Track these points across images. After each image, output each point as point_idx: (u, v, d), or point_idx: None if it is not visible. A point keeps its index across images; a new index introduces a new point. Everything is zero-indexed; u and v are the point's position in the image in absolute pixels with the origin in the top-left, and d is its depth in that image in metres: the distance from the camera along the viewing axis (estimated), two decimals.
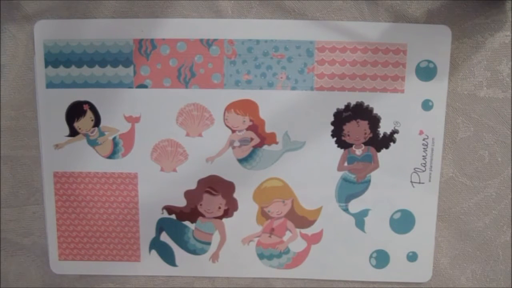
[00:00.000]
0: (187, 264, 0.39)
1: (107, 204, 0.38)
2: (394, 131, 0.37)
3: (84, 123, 0.37)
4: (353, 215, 0.38)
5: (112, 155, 0.37)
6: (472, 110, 0.37)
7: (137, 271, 0.39)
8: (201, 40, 0.36)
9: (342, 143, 0.37)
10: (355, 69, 0.36)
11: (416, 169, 0.37)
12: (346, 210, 0.38)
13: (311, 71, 0.36)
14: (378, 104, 0.37)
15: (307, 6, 0.36)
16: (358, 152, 0.37)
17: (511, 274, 0.39)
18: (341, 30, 0.36)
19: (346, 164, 0.37)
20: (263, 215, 0.38)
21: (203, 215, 0.38)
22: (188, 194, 0.38)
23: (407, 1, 0.36)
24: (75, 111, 0.37)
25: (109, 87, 0.37)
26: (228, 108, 0.37)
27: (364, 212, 0.38)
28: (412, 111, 0.37)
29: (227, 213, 0.38)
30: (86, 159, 0.38)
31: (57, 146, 0.37)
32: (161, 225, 0.38)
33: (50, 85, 0.37)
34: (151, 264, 0.39)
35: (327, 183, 0.38)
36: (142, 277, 0.39)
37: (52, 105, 0.37)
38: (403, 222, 0.38)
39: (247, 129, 0.37)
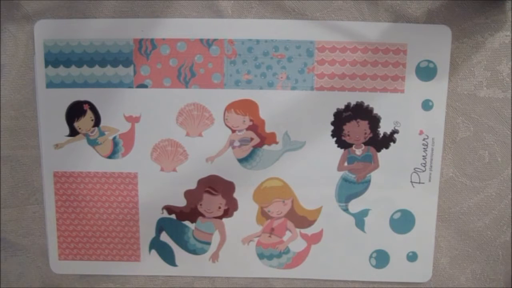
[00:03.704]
0: (187, 264, 0.39)
1: (107, 204, 0.38)
2: (394, 131, 0.37)
3: (84, 123, 0.37)
4: (353, 215, 0.38)
5: (112, 155, 0.37)
6: (472, 110, 0.37)
7: (137, 271, 0.39)
8: (201, 40, 0.36)
9: (342, 143, 0.37)
10: (355, 69, 0.36)
11: (416, 169, 0.37)
12: (346, 210, 0.38)
13: (311, 71, 0.36)
14: (378, 104, 0.37)
15: (307, 6, 0.36)
16: (358, 152, 0.37)
17: (511, 274, 0.39)
18: (341, 30, 0.36)
19: (346, 164, 0.37)
20: (263, 215, 0.38)
21: (203, 215, 0.38)
22: (188, 194, 0.38)
23: (407, 1, 0.36)
24: (75, 111, 0.37)
25: (109, 87, 0.37)
26: (228, 108, 0.37)
27: (364, 212, 0.38)
28: (412, 111, 0.37)
29: (227, 213, 0.38)
30: (86, 159, 0.38)
31: (57, 146, 0.37)
32: (161, 225, 0.38)
33: (50, 85, 0.37)
34: (151, 264, 0.39)
35: (327, 183, 0.38)
36: (142, 277, 0.39)
37: (52, 105, 0.37)
38: (403, 222, 0.38)
39: (247, 129, 0.37)
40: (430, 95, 0.36)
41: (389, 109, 0.37)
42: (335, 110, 0.37)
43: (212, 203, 0.38)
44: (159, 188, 0.38)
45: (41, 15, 0.36)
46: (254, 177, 0.38)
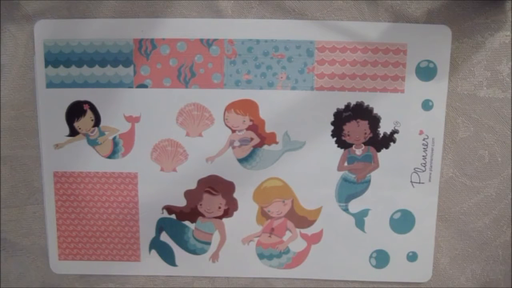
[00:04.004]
0: (187, 264, 0.39)
1: (107, 204, 0.38)
2: (394, 131, 0.37)
3: (84, 123, 0.37)
4: (353, 215, 0.38)
5: (112, 155, 0.37)
6: (472, 110, 0.37)
7: (137, 271, 0.39)
8: (201, 40, 0.36)
9: (342, 143, 0.37)
10: (355, 69, 0.36)
11: (416, 169, 0.37)
12: (346, 210, 0.38)
13: (311, 71, 0.36)
14: (378, 104, 0.37)
15: (307, 6, 0.36)
16: (358, 152, 0.37)
17: (511, 274, 0.39)
18: (341, 30, 0.36)
19: (346, 164, 0.37)
20: (263, 215, 0.38)
21: (203, 215, 0.38)
22: (188, 194, 0.38)
23: (407, 1, 0.36)
24: (75, 111, 0.37)
25: (109, 87, 0.37)
26: (228, 108, 0.37)
27: (364, 212, 0.38)
28: (412, 111, 0.37)
29: (227, 213, 0.38)
30: (86, 159, 0.38)
31: (57, 146, 0.37)
32: (161, 225, 0.38)
33: (50, 85, 0.37)
34: (151, 264, 0.39)
35: (327, 183, 0.38)
36: (142, 277, 0.39)
37: (52, 105, 0.37)
38: (403, 222, 0.38)
39: (247, 129, 0.37)
40: (430, 95, 0.36)
41: (389, 109, 0.37)
42: (335, 110, 0.37)
43: (212, 203, 0.38)
44: (159, 188, 0.38)
45: (41, 15, 0.36)
46: (254, 177, 0.38)
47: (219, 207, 0.38)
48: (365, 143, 0.37)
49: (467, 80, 0.37)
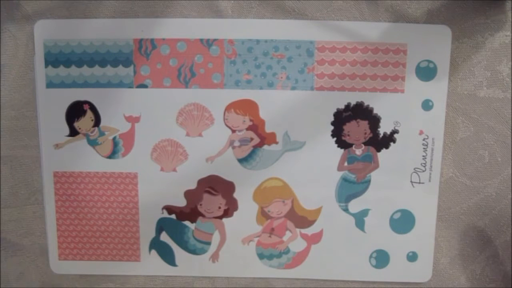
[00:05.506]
0: (187, 264, 0.39)
1: (107, 204, 0.38)
2: (394, 131, 0.37)
3: (84, 123, 0.37)
4: (353, 215, 0.38)
5: (112, 155, 0.38)
6: (472, 110, 0.37)
7: (137, 271, 0.39)
8: (201, 40, 0.36)
9: (342, 143, 0.37)
10: (355, 69, 0.36)
11: (416, 169, 0.37)
12: (346, 210, 0.38)
13: (311, 71, 0.36)
14: (378, 104, 0.37)
15: (307, 6, 0.36)
16: (358, 152, 0.37)
17: (511, 274, 0.39)
18: (341, 30, 0.36)
19: (346, 164, 0.37)
20: (263, 215, 0.38)
21: (203, 215, 0.38)
22: (188, 194, 0.38)
23: (407, 1, 0.36)
24: (75, 111, 0.37)
25: (109, 87, 0.37)
26: (228, 108, 0.37)
27: (364, 212, 0.38)
28: (412, 111, 0.37)
29: (227, 213, 0.38)
30: (86, 159, 0.38)
31: (57, 146, 0.37)
32: (161, 225, 0.38)
33: (50, 85, 0.37)
34: (151, 264, 0.39)
35: (327, 183, 0.38)
36: (142, 277, 0.39)
37: (52, 105, 0.37)
38: (403, 222, 0.38)
39: (247, 129, 0.37)
40: (430, 95, 0.36)
41: (389, 109, 0.37)
42: (335, 110, 0.37)
43: (212, 203, 0.38)
44: (159, 188, 0.38)
45: (41, 15, 0.36)
46: (254, 177, 0.38)
47: (219, 207, 0.38)
48: (365, 143, 0.37)
49: (467, 80, 0.37)
